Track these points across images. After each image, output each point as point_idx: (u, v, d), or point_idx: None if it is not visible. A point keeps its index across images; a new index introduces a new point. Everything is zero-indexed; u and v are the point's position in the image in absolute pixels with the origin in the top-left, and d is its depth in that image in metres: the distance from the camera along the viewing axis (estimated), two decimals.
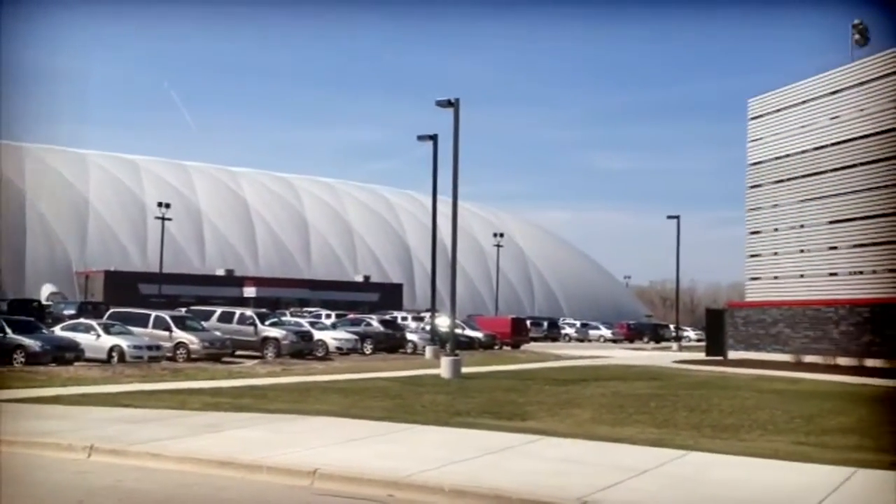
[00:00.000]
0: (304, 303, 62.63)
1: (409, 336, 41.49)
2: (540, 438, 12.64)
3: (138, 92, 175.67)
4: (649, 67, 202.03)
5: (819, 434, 14.15)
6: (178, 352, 29.59)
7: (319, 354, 34.75)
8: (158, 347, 28.73)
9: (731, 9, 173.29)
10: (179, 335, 30.16)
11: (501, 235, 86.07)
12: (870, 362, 32.33)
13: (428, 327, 41.16)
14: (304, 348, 34.02)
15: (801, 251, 38.80)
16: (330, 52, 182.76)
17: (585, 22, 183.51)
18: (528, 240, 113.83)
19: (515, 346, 50.10)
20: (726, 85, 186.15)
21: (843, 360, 33.49)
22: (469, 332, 46.07)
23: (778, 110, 40.57)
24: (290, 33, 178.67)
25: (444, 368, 24.85)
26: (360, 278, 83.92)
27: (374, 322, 41.48)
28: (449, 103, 27.23)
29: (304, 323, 38.19)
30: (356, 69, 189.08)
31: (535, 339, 60.27)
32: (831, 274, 36.95)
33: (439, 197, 39.89)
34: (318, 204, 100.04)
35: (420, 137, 35.72)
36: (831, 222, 36.97)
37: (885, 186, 34.12)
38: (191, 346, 29.78)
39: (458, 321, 40.55)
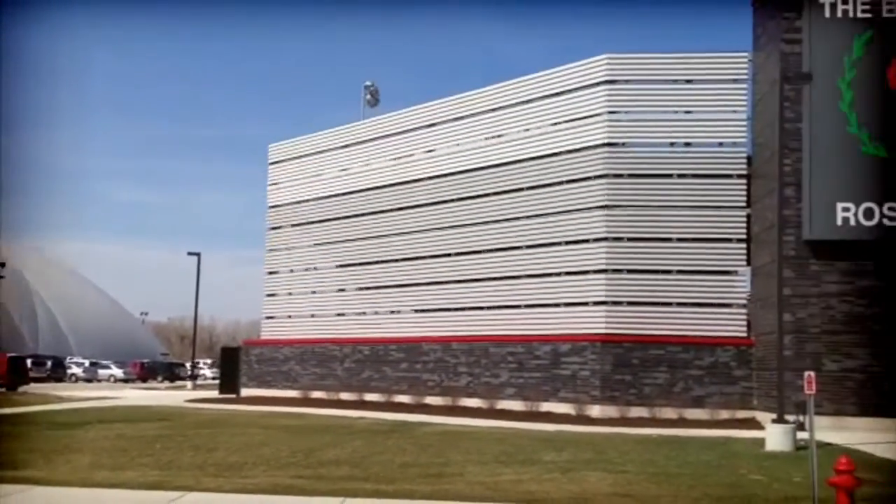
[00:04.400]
0: None
1: None
2: (30, 489, 11.65)
3: None
4: (175, 103, 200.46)
5: (316, 467, 15.03)
6: None
7: None
8: None
9: (268, 56, 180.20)
10: None
11: (3, 265, 77.86)
12: (368, 396, 35.28)
13: None
14: None
15: (314, 292, 41.22)
16: None
17: (108, 54, 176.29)
18: (35, 271, 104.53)
19: (13, 387, 46.05)
20: (259, 128, 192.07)
21: (345, 395, 36.08)
22: None
23: (295, 158, 42.83)
24: None
25: None
26: None
27: None
28: None
29: None
30: None
31: (38, 380, 55.67)
32: (339, 314, 39.74)
33: None
34: None
35: None
36: (339, 266, 39.88)
37: (398, 234, 37.45)
38: None
39: None
